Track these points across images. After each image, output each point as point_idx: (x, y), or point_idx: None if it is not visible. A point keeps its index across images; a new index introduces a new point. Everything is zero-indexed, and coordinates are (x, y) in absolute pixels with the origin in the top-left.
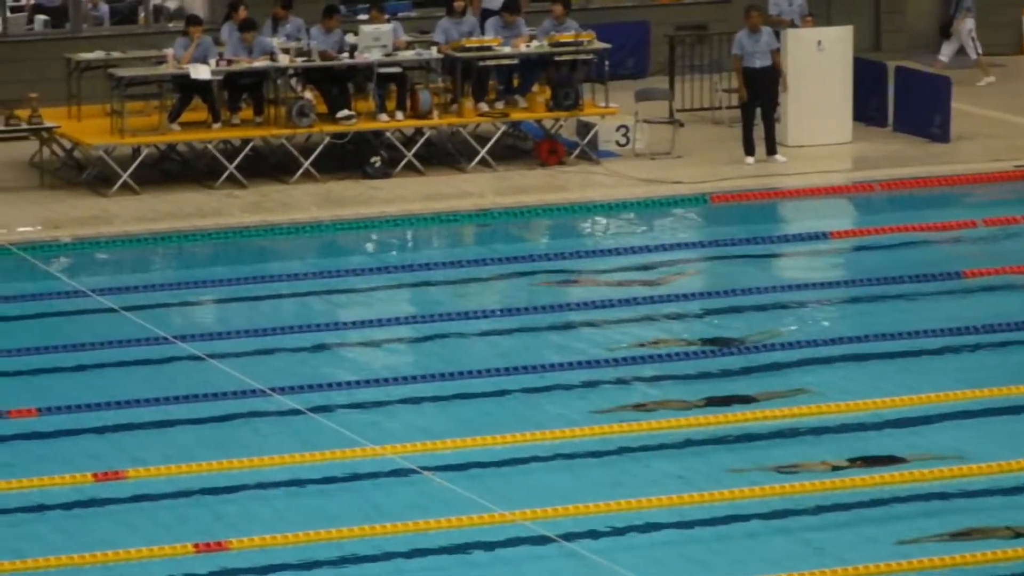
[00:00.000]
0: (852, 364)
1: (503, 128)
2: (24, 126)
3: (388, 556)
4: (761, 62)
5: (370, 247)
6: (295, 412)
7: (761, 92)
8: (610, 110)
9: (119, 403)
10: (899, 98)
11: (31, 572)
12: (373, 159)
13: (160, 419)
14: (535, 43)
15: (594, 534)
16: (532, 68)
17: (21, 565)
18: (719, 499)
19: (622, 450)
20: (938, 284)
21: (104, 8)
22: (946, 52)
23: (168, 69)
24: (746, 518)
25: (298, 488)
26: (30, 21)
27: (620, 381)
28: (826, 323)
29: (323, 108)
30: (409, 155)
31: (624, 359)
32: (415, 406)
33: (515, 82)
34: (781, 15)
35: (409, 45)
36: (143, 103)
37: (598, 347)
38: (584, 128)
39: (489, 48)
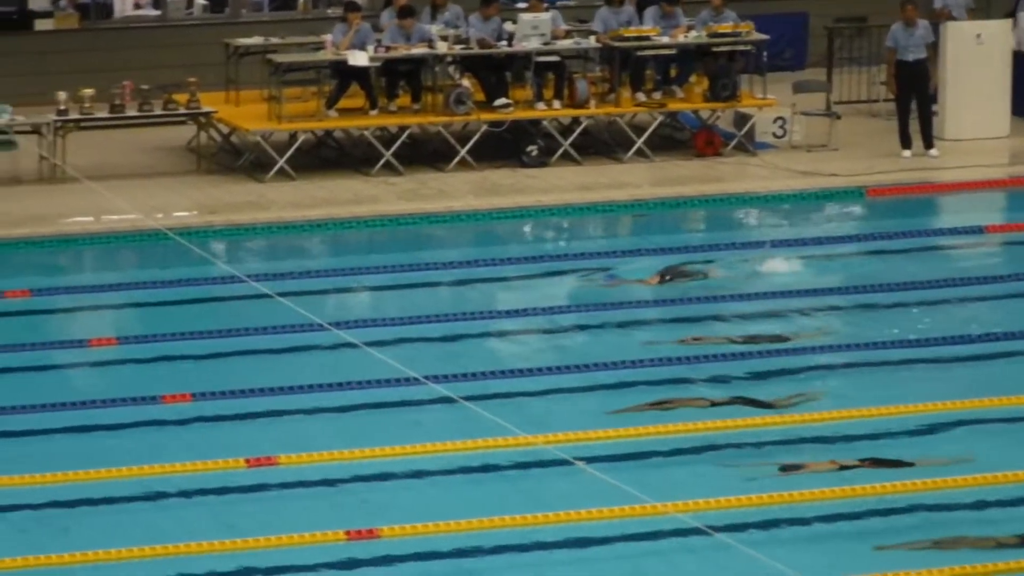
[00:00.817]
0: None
1: (660, 118)
2: (182, 111)
3: (541, 546)
4: (914, 55)
5: (526, 236)
6: (448, 400)
7: (914, 86)
8: (767, 102)
9: (272, 389)
10: None
11: (183, 556)
12: (530, 148)
13: (313, 406)
14: (693, 33)
15: (745, 527)
16: (690, 59)
17: (173, 550)
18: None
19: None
20: None
21: None
22: None
23: (326, 55)
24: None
25: (450, 476)
26: (189, 6)
27: (786, 371)
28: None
29: (480, 96)
30: (566, 144)
31: (781, 351)
32: (568, 396)
33: (673, 72)
34: (946, 7)
35: (567, 34)
36: (301, 89)
37: (753, 340)
38: (741, 119)
39: (647, 38)
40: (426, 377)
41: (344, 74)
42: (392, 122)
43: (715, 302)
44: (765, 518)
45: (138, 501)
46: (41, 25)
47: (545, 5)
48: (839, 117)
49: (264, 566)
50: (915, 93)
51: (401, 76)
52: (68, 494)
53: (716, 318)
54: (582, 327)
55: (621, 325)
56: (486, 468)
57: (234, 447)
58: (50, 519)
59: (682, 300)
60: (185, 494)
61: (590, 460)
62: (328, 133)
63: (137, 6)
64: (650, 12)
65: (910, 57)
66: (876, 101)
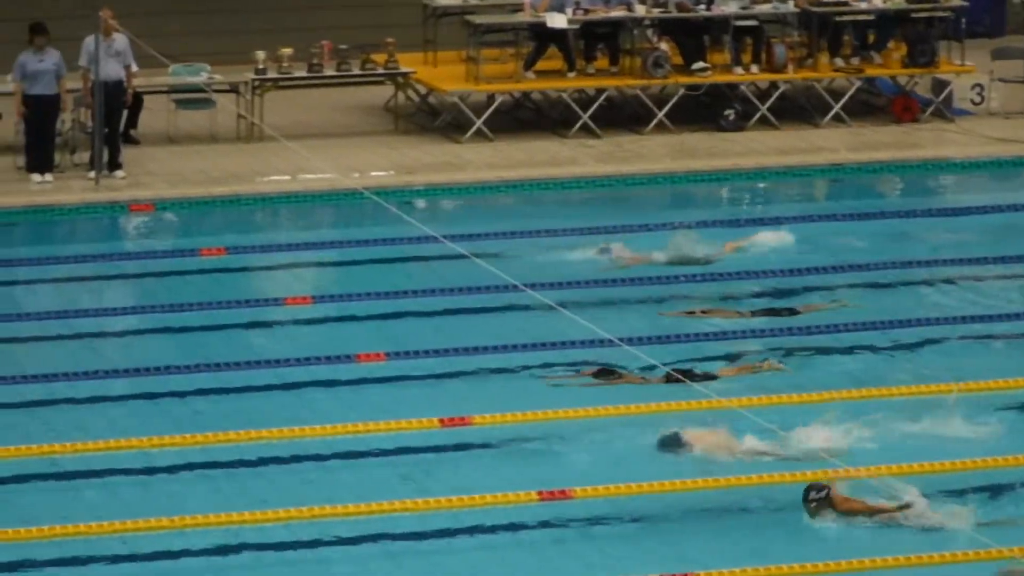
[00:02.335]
0: None
1: (857, 84)
2: (380, 71)
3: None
4: None
5: (722, 199)
6: (649, 367)
7: None
8: (965, 68)
9: (467, 349)
10: None
11: (376, 516)
12: (727, 112)
13: (507, 366)
14: None
15: None
16: (888, 24)
17: (366, 509)
18: None
19: None
20: None
21: None
22: None
23: (525, 17)
24: None
25: (635, 438)
26: None
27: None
28: None
29: (678, 59)
30: (763, 109)
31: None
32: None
33: (871, 38)
34: None
35: None
36: (499, 50)
37: (966, 302)
38: (939, 85)
39: (846, 3)
40: (620, 339)
41: (542, 36)
42: (590, 84)
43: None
44: None
45: (333, 459)
46: None
47: None
48: None
49: (457, 526)
50: None
51: (599, 39)
52: (263, 451)
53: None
54: (781, 292)
55: (817, 288)
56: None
57: (428, 406)
58: (242, 477)
59: (895, 265)
60: (379, 453)
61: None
62: (526, 95)
63: None
64: None
65: None
66: None
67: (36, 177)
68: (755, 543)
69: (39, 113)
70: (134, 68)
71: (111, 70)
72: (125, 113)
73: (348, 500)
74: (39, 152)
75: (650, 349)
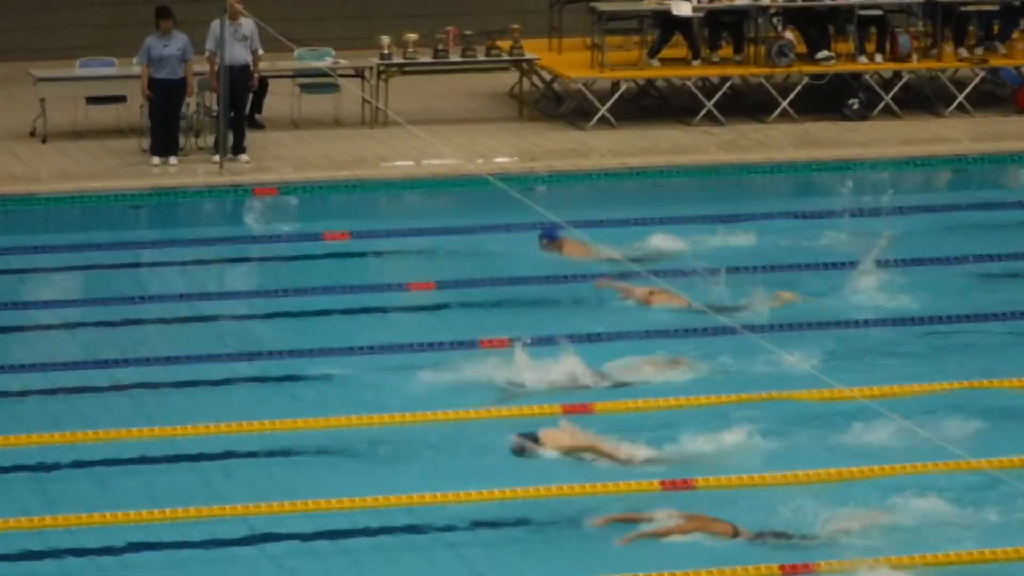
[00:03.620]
0: None
1: (982, 74)
2: (505, 57)
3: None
4: None
5: (846, 189)
6: (767, 352)
7: None
8: None
9: (591, 336)
10: None
11: (508, 501)
12: (851, 101)
13: (627, 354)
14: None
15: None
16: (1013, 14)
17: (500, 495)
18: None
19: None
20: None
21: None
22: None
23: (650, 5)
24: None
25: (762, 426)
26: None
27: None
28: None
29: (803, 48)
30: (887, 98)
31: None
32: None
33: (995, 28)
34: None
35: None
36: (623, 38)
37: None
38: None
39: None
40: (744, 327)
41: (667, 23)
42: (714, 72)
43: None
44: None
45: (450, 442)
46: None
47: None
48: None
49: (571, 513)
50: None
51: (724, 27)
52: (395, 435)
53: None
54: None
55: (941, 279)
56: (794, 420)
57: (550, 393)
58: (373, 457)
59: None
60: (498, 436)
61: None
62: (650, 82)
63: None
64: None
65: None
66: None
67: (156, 160)
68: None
69: (162, 97)
70: (260, 52)
71: (237, 54)
72: (250, 97)
73: (467, 487)
74: (162, 136)
75: (771, 336)
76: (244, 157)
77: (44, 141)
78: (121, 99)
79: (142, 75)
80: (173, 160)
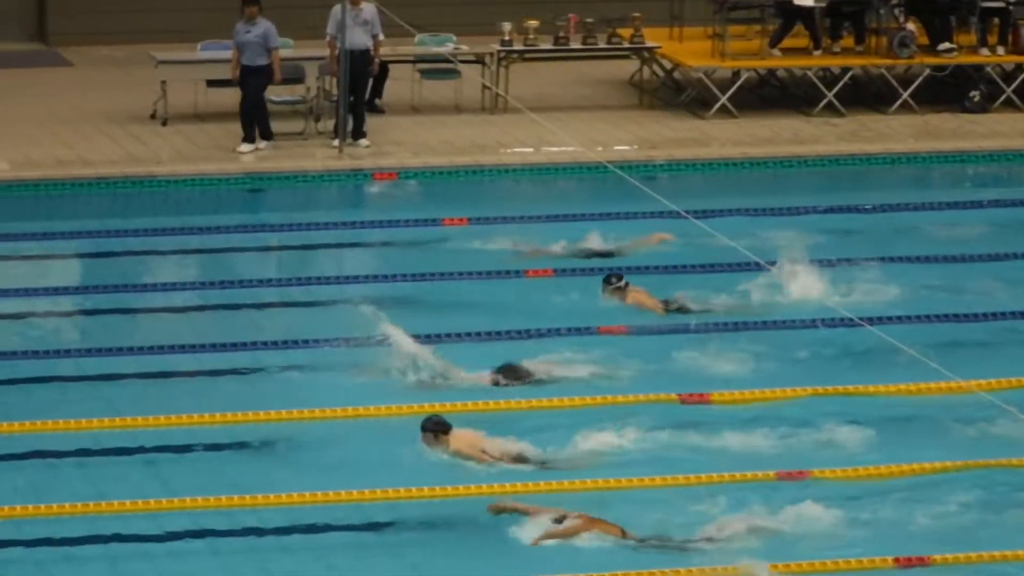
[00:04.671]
0: None
1: None
2: (626, 45)
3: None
4: None
5: (965, 181)
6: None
7: None
8: None
9: (707, 327)
10: None
11: (615, 491)
12: (972, 93)
13: (744, 345)
14: None
15: None
16: None
17: (603, 484)
18: None
19: None
20: None
21: None
22: None
23: None
24: None
25: (876, 420)
26: None
27: None
28: None
29: (924, 40)
30: (1008, 91)
31: None
32: None
33: None
34: None
35: None
36: (745, 27)
37: None
38: None
39: None
40: (862, 318)
41: (789, 13)
42: (835, 63)
43: None
44: None
45: (564, 429)
46: None
47: None
48: None
49: (686, 503)
50: None
51: (845, 17)
52: (510, 420)
53: None
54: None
55: None
56: (910, 417)
57: (667, 382)
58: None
59: None
60: (622, 424)
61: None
62: (771, 72)
63: None
64: None
65: None
66: None
67: (243, 147)
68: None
69: (243, 83)
70: (380, 37)
71: (357, 39)
72: (370, 82)
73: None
74: (246, 123)
75: (890, 328)
76: (364, 142)
77: (164, 124)
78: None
79: (232, 59)
80: (262, 144)
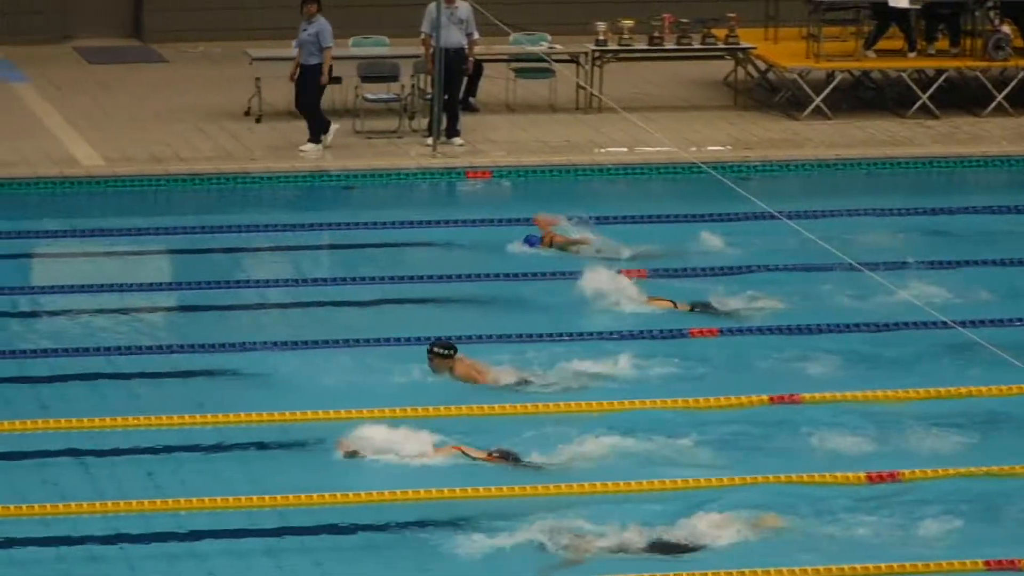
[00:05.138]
0: None
1: None
2: (720, 45)
3: None
4: None
5: None
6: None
7: None
8: None
9: (799, 328)
10: None
11: (702, 489)
12: None
13: (837, 348)
14: None
15: None
16: None
17: (693, 484)
18: None
19: None
20: None
21: None
22: None
23: None
24: None
25: (966, 421)
26: None
27: None
28: None
29: (1020, 42)
30: None
31: None
32: None
33: None
34: None
35: None
36: (840, 28)
37: None
38: None
39: None
40: (955, 322)
41: (884, 15)
42: (930, 65)
43: None
44: None
45: (642, 433)
46: None
47: None
48: None
49: (776, 501)
50: None
51: (941, 19)
52: (578, 424)
53: None
54: None
55: None
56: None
57: (758, 383)
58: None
59: None
60: (705, 427)
61: None
62: (865, 73)
63: None
64: None
65: None
66: None
67: (306, 147)
68: None
69: (298, 81)
70: (476, 36)
71: (452, 38)
72: (465, 81)
73: (668, 474)
74: (307, 121)
75: (987, 332)
76: (458, 140)
77: (258, 120)
78: (336, 80)
79: (295, 57)
80: (326, 140)
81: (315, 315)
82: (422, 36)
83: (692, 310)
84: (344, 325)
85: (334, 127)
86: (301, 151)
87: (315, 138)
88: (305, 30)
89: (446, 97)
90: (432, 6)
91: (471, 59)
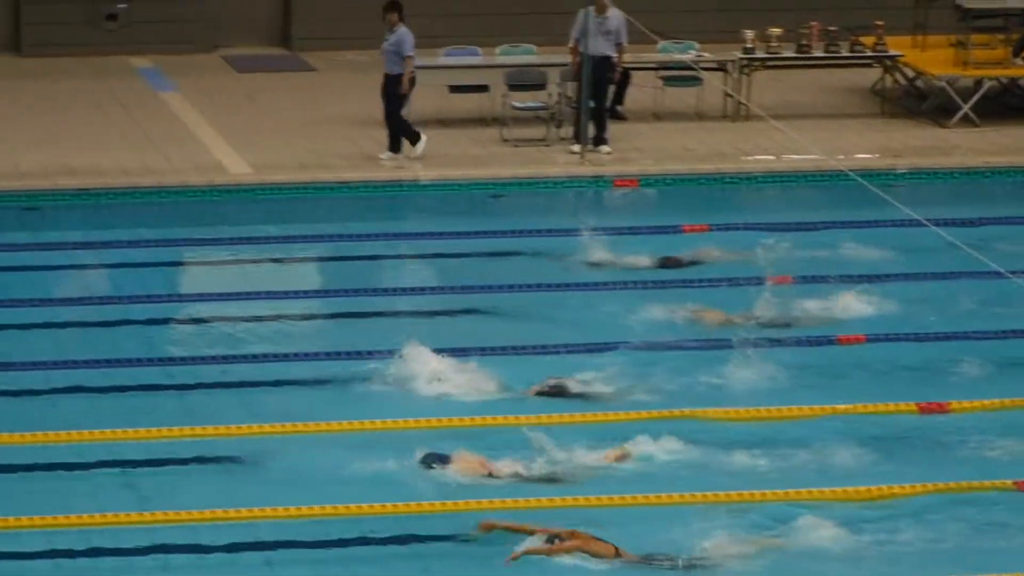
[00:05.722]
0: None
1: None
2: (868, 53)
3: None
4: None
5: None
6: None
7: None
8: None
9: (940, 336)
10: None
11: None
12: None
13: (978, 354)
14: None
15: None
16: None
17: (866, 493)
18: None
19: None
20: None
21: None
22: None
23: (1017, 3)
24: None
25: None
26: None
27: None
28: None
29: None
30: None
31: None
32: None
33: None
34: None
35: None
36: (988, 36)
37: None
38: None
39: None
40: None
41: None
42: None
43: None
44: None
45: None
46: None
47: None
48: None
49: (909, 511)
50: None
51: None
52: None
53: None
54: None
55: None
56: None
57: (906, 391)
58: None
59: None
60: (853, 430)
61: None
62: (1014, 81)
63: None
64: None
65: None
66: None
67: (384, 156)
68: None
69: (382, 92)
70: (624, 44)
71: (599, 47)
72: (612, 89)
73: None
74: (390, 130)
75: None
76: (605, 148)
77: None
78: (484, 88)
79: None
80: (384, 156)
81: (462, 323)
82: (570, 43)
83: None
84: (497, 332)
85: (424, 138)
86: (381, 160)
87: (395, 147)
88: (386, 40)
89: (592, 105)
90: (582, 13)
91: (619, 68)
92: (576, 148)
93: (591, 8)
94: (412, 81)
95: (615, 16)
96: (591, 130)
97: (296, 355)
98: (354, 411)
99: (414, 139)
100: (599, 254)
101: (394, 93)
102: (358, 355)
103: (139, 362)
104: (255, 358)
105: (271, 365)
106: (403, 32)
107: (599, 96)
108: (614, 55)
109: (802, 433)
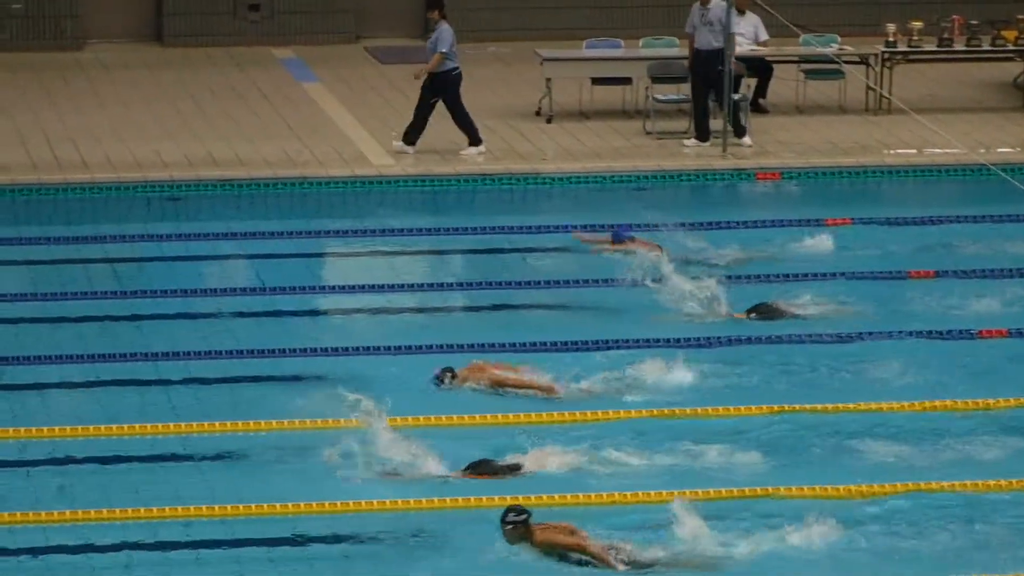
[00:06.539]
0: None
1: None
2: (1010, 47)
3: None
4: None
5: None
6: None
7: None
8: None
9: None
10: None
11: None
12: None
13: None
14: None
15: None
16: None
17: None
18: None
19: None
20: None
21: None
22: None
23: None
24: None
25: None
26: None
27: None
28: None
29: None
30: None
31: None
32: None
33: None
34: None
35: None
36: None
37: None
38: None
39: None
40: None
41: None
42: None
43: None
44: None
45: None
46: None
47: None
48: None
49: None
50: None
51: None
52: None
53: None
54: None
55: None
56: None
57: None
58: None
59: None
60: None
61: None
62: None
63: None
64: None
65: None
66: None
67: (468, 151)
68: None
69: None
70: (763, 38)
71: (703, 39)
72: (753, 83)
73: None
74: (459, 127)
75: None
76: (747, 140)
77: (549, 121)
78: (627, 81)
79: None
80: (469, 150)
81: (599, 316)
82: (687, 37)
83: (748, 316)
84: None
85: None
86: (461, 153)
87: (475, 142)
88: (427, 37)
89: (713, 99)
90: (696, 6)
91: (730, 61)
92: (689, 143)
93: (697, 2)
94: (430, 76)
95: (717, 7)
96: (718, 125)
97: (451, 347)
98: None
99: (476, 141)
100: (742, 246)
101: (451, 92)
102: (491, 347)
103: (283, 352)
104: (397, 349)
105: (406, 358)
106: (442, 29)
107: (705, 90)
108: (721, 46)
109: (949, 425)
